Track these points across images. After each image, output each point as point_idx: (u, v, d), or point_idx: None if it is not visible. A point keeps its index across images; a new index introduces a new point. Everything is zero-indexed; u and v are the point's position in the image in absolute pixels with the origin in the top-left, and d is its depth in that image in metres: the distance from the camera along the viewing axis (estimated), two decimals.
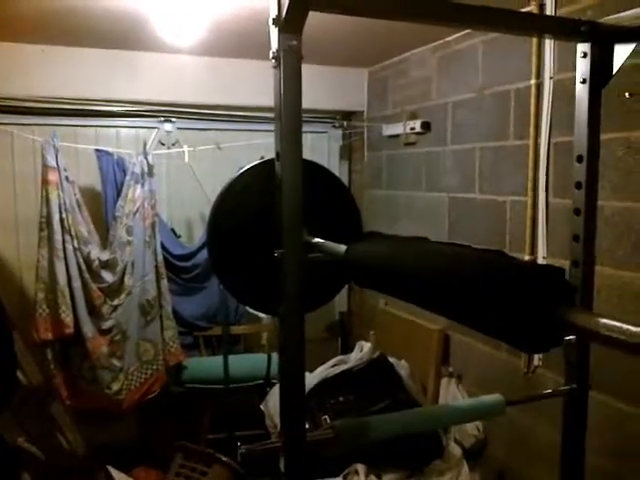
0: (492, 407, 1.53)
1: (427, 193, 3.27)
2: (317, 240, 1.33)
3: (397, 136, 3.53)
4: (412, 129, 3.32)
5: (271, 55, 1.30)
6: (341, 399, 2.61)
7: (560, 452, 1.77)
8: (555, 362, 2.15)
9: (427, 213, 3.26)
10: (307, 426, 2.53)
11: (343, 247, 1.20)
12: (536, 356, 2.45)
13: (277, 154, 1.29)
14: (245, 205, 1.49)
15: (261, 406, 3.10)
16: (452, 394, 2.93)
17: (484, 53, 2.74)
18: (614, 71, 1.57)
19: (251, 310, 3.21)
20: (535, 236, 2.40)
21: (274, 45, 1.29)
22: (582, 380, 1.69)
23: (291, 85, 1.26)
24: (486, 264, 0.85)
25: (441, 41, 3.09)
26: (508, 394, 1.83)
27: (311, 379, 2.78)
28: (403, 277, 0.98)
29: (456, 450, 2.74)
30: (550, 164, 2.32)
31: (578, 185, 1.62)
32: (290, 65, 1.26)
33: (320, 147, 4.16)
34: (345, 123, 4.15)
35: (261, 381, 3.37)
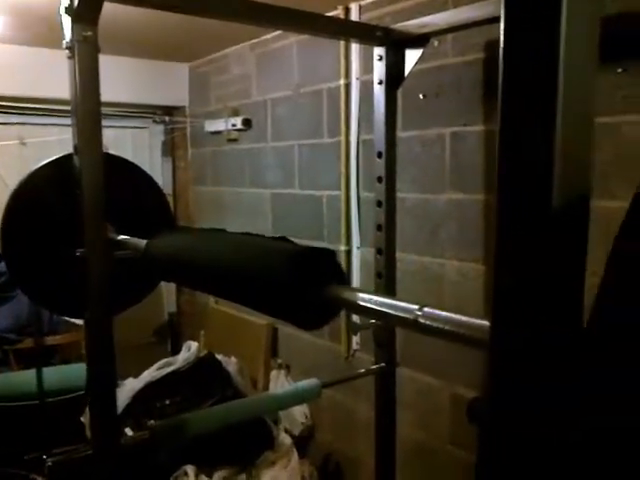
0: (309, 391, 1.60)
1: (251, 189, 3.31)
2: (122, 237, 1.29)
3: (220, 132, 3.52)
4: (234, 125, 3.33)
5: (64, 45, 1.23)
6: (168, 402, 2.55)
7: (374, 426, 1.91)
8: (372, 345, 2.31)
9: (252, 209, 3.30)
10: (132, 432, 2.44)
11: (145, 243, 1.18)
12: (354, 340, 2.61)
13: (75, 148, 1.23)
14: (44, 203, 1.39)
15: (82, 418, 2.92)
16: (281, 384, 3.00)
17: (299, 52, 2.84)
18: (406, 74, 1.72)
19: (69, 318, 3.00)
20: (349, 228, 2.55)
21: (67, 35, 1.23)
22: (390, 359, 1.84)
23: (87, 77, 1.20)
24: (267, 250, 0.89)
25: (258, 39, 3.13)
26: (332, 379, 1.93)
27: (136, 384, 2.68)
28: (195, 268, 0.99)
29: (286, 439, 2.81)
30: (360, 160, 2.48)
31: (379, 179, 1.75)
32: (85, 57, 1.21)
33: (141, 143, 4.00)
34: (167, 118, 4.04)
35: (82, 392, 3.16)
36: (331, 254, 0.83)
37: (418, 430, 2.34)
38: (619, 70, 1.59)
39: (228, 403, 1.47)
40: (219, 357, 2.93)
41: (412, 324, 0.68)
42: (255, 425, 2.61)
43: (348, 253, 2.58)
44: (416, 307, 0.69)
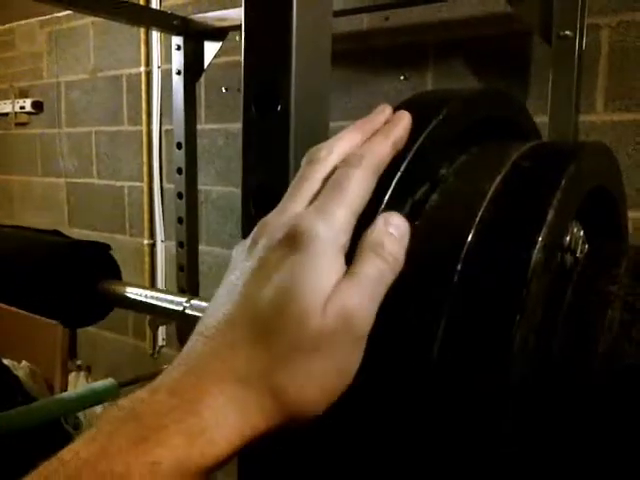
0: (105, 391, 1.52)
1: (44, 178, 3.05)
2: None
3: (6, 115, 3.18)
4: (22, 108, 3.03)
5: None
6: None
7: None
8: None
9: (45, 200, 3.05)
10: None
11: None
12: (160, 336, 2.54)
13: None
14: None
15: None
16: (81, 387, 2.82)
17: (96, 35, 2.67)
18: (205, 65, 1.72)
19: None
20: (153, 221, 2.47)
21: None
22: None
23: None
24: (34, 244, 0.84)
25: (50, 16, 2.88)
26: None
27: None
28: None
29: None
30: (162, 151, 2.41)
31: (179, 170, 1.73)
32: None
33: None
34: None
35: None
36: (103, 248, 0.80)
37: None
38: (402, 77, 1.75)
39: (8, 411, 1.34)
40: (6, 362, 2.65)
41: (180, 316, 0.69)
42: (50, 432, 2.42)
43: (152, 247, 2.50)
44: (184, 299, 0.70)
